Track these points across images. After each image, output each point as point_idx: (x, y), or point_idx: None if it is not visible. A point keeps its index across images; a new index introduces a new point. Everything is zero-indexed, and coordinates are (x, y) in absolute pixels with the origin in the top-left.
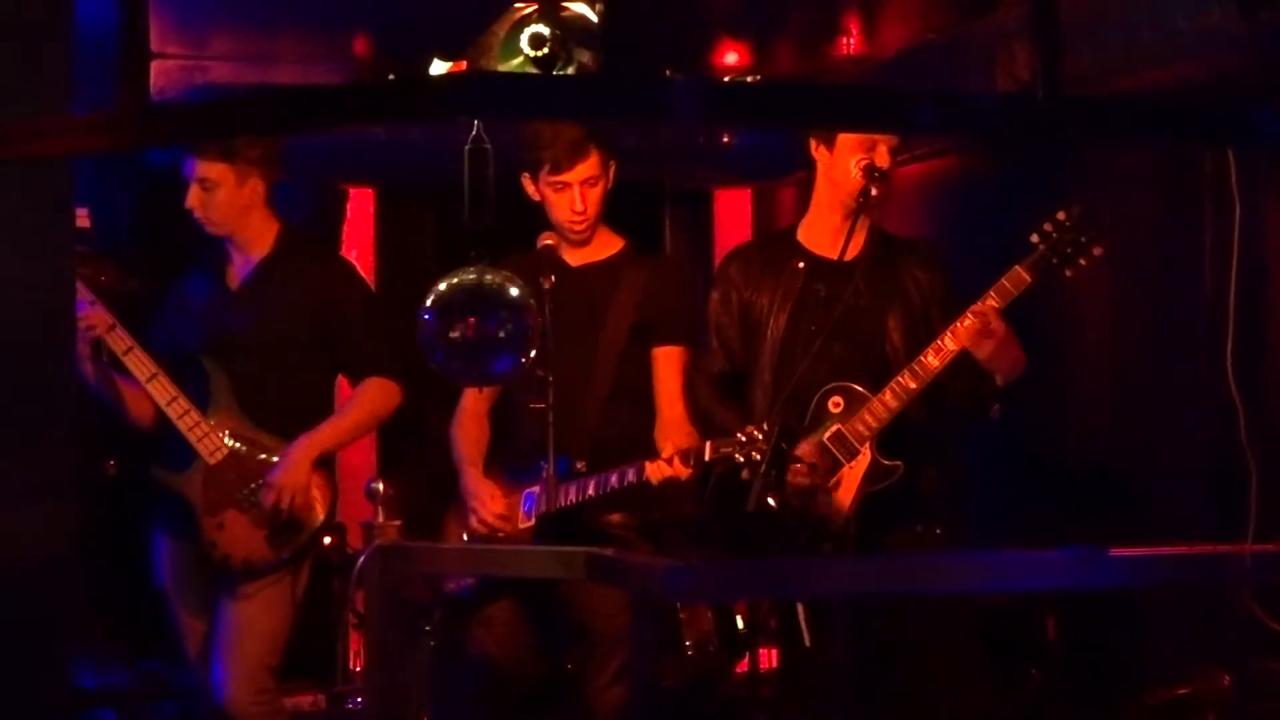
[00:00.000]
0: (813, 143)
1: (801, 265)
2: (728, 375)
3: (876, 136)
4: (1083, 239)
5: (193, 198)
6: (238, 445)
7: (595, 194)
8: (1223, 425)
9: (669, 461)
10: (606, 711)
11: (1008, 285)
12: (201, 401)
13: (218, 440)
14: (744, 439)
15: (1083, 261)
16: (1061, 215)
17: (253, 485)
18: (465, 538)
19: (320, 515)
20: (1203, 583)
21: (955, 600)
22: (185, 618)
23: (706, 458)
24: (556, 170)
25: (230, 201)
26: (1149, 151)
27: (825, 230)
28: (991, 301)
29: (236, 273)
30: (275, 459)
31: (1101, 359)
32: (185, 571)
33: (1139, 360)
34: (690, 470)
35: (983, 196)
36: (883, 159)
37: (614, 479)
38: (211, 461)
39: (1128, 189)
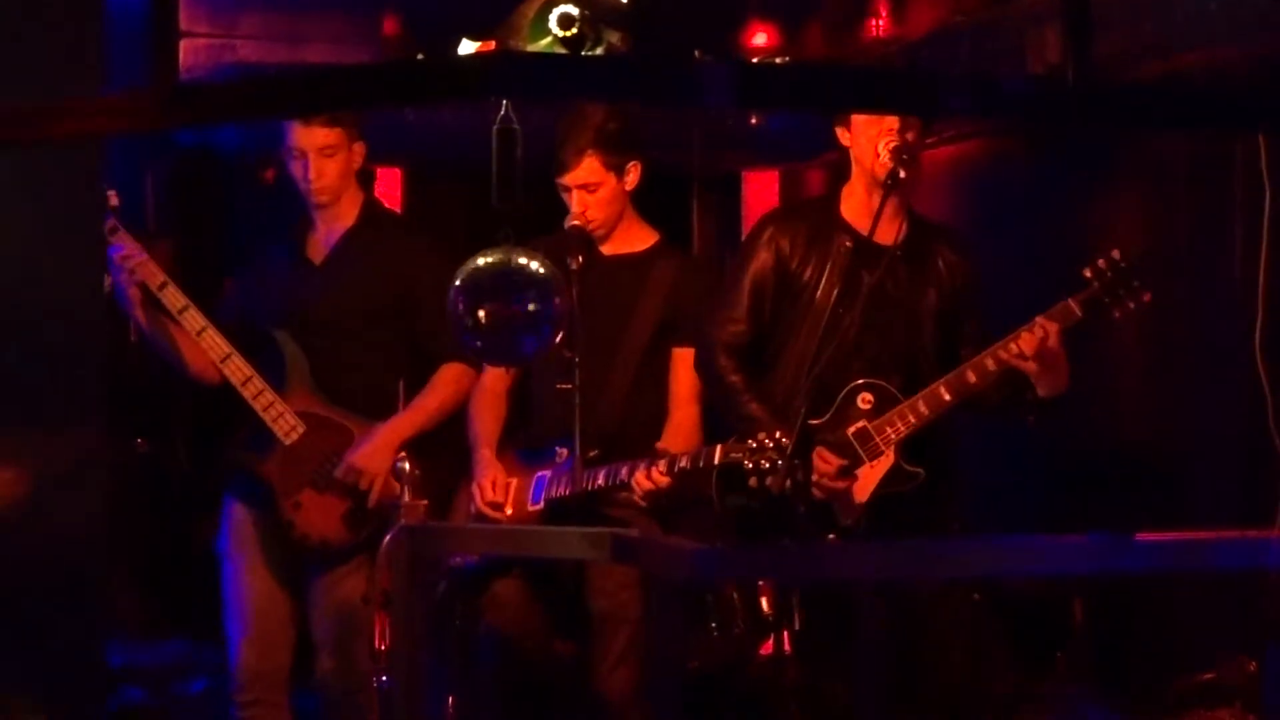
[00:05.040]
0: (837, 128)
1: (849, 244)
2: (749, 345)
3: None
4: (1135, 283)
5: (315, 168)
6: (312, 423)
7: (596, 198)
8: (1251, 411)
9: (647, 475)
10: (613, 693)
11: (1058, 317)
12: (274, 378)
13: (293, 420)
14: (756, 446)
15: (1131, 305)
16: (1116, 254)
17: (327, 464)
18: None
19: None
20: (1230, 568)
21: (979, 584)
22: (239, 585)
23: (716, 460)
24: (559, 173)
25: (344, 167)
26: (1179, 136)
27: (865, 207)
28: (1053, 325)
29: (320, 245)
30: (352, 437)
31: (1129, 345)
32: (252, 541)
33: (1167, 347)
34: (671, 480)
35: (1011, 180)
36: (903, 136)
37: (601, 477)
38: (287, 441)
39: (1157, 174)
